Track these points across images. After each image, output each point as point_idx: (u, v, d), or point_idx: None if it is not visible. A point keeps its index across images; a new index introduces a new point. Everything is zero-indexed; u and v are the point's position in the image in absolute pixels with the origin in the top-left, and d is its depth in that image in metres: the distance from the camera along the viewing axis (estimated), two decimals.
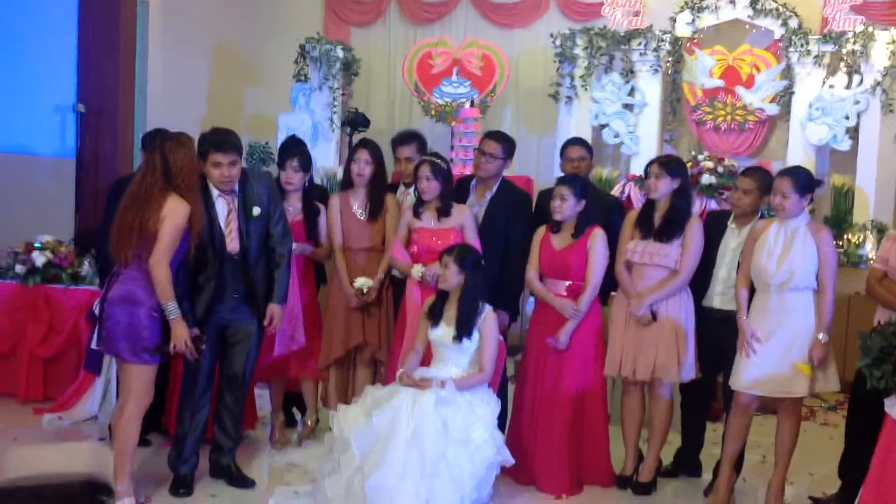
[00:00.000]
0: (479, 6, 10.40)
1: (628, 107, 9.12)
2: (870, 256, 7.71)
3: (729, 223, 5.08)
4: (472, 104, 9.13)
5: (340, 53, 9.70)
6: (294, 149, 5.44)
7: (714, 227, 5.11)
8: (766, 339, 4.60)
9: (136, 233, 4.26)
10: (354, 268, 5.36)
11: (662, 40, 8.97)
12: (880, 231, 7.88)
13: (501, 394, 5.02)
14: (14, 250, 6.40)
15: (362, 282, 5.28)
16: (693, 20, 9.03)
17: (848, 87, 8.45)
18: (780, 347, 4.58)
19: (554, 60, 9.35)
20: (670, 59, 9.08)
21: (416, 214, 5.18)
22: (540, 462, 4.98)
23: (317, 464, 4.79)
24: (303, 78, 9.69)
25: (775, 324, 4.60)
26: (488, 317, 4.72)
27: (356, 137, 8.48)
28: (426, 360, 4.82)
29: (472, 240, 5.06)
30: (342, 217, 5.39)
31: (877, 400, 4.14)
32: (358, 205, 5.39)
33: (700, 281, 5.01)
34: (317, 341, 5.45)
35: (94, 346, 5.77)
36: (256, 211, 4.69)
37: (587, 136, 8.56)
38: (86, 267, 6.27)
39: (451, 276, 4.70)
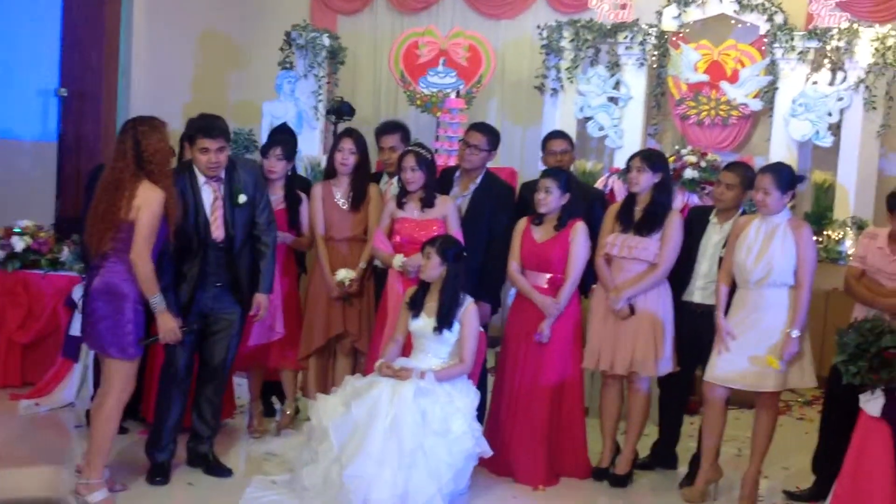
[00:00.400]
0: None
1: (613, 100, 9.12)
2: (849, 253, 7.74)
3: (711, 218, 5.10)
4: (457, 95, 9.12)
5: (326, 41, 9.65)
6: (281, 137, 5.43)
7: (696, 222, 5.13)
8: (741, 333, 4.64)
9: (108, 222, 4.18)
10: (336, 257, 5.35)
11: (648, 34, 8.97)
12: (860, 228, 7.92)
13: (481, 385, 5.04)
14: None
15: (343, 274, 5.27)
16: (679, 14, 9.03)
17: (831, 83, 8.47)
18: (754, 342, 4.62)
19: (540, 52, 9.33)
20: (656, 52, 9.08)
21: (400, 205, 5.18)
22: (517, 453, 4.99)
23: (295, 453, 4.80)
24: (288, 65, 9.65)
25: (752, 319, 4.63)
26: (469, 308, 4.73)
27: (341, 126, 8.46)
28: (406, 351, 4.83)
29: (455, 231, 5.07)
30: (324, 206, 5.38)
31: (852, 396, 4.19)
32: (341, 194, 5.38)
33: (681, 275, 5.04)
34: (297, 331, 5.44)
35: (72, 332, 5.77)
36: (242, 199, 4.67)
37: (572, 129, 8.56)
38: (65, 253, 6.24)
39: (433, 268, 4.71)
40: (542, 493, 4.89)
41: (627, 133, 9.08)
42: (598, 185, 8.36)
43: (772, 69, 8.76)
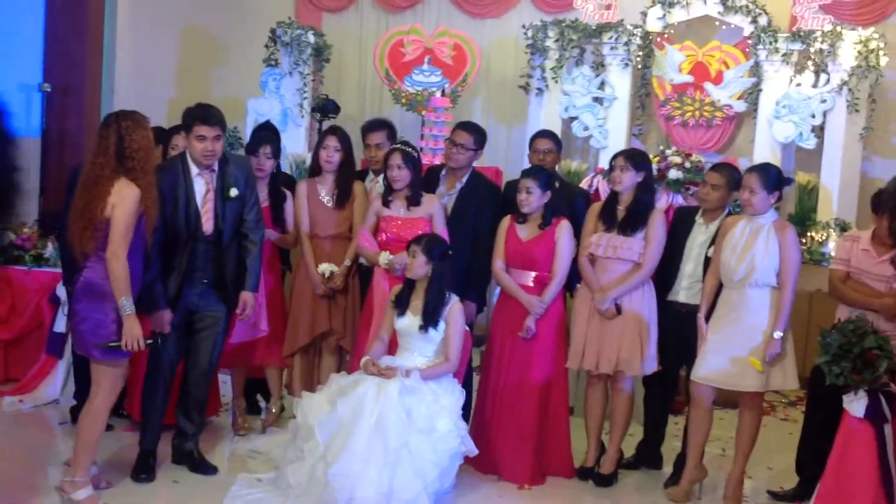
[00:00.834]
0: None
1: (598, 100, 9.15)
2: (832, 254, 7.80)
3: (696, 218, 5.12)
4: (442, 93, 9.12)
5: (312, 39, 9.63)
6: (268, 135, 5.42)
7: (682, 222, 5.16)
8: (725, 333, 4.66)
9: (87, 220, 4.09)
10: (321, 255, 5.35)
11: (633, 34, 9.01)
12: (843, 229, 7.97)
13: (466, 384, 5.04)
14: None
15: (325, 267, 5.28)
16: (664, 15, 9.06)
17: (815, 85, 8.52)
18: (737, 342, 4.64)
19: (525, 52, 9.35)
20: (640, 53, 9.12)
21: (386, 203, 5.17)
22: (503, 451, 5.00)
23: (280, 451, 4.79)
24: (273, 62, 9.62)
25: (734, 319, 4.66)
26: (455, 307, 4.74)
27: (326, 124, 8.44)
28: (392, 349, 4.83)
29: (441, 230, 5.07)
30: (309, 204, 5.37)
31: (835, 396, 4.21)
32: (326, 191, 5.38)
33: (666, 275, 5.06)
34: (282, 328, 5.43)
35: (56, 329, 5.74)
36: (234, 192, 4.66)
37: (557, 129, 8.57)
38: (49, 248, 6.20)
39: (419, 266, 4.71)
40: (527, 492, 4.90)
41: (612, 133, 9.11)
42: (583, 185, 8.38)
43: (756, 71, 8.82)
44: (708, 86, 8.98)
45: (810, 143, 8.55)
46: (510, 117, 10.05)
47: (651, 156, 6.96)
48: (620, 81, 9.13)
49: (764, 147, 8.69)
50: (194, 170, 4.62)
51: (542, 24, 9.24)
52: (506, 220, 5.12)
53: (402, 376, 4.50)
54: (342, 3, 10.67)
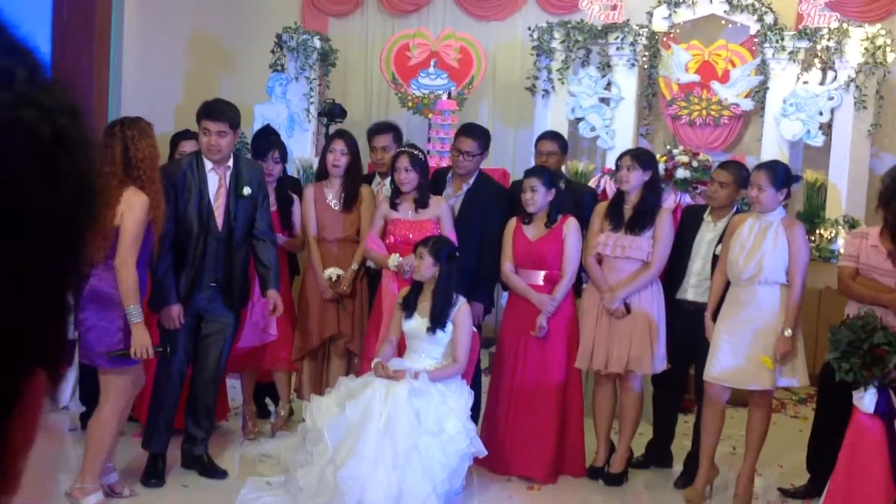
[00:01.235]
0: None
1: (605, 101, 9.13)
2: (841, 251, 7.77)
3: (704, 216, 5.11)
4: (449, 96, 9.12)
5: (318, 44, 9.64)
6: (276, 139, 5.45)
7: (690, 220, 5.15)
8: (734, 332, 4.65)
9: (98, 232, 4.09)
10: (328, 258, 5.36)
11: (639, 35, 8.99)
12: (852, 226, 7.94)
13: (475, 385, 5.04)
14: None
15: (331, 271, 5.28)
16: (669, 15, 9.05)
17: (822, 83, 8.50)
18: (748, 340, 4.63)
19: (531, 53, 9.34)
20: (647, 53, 9.10)
21: (393, 206, 5.18)
22: (520, 451, 5.00)
23: (289, 455, 4.79)
24: (279, 68, 9.64)
25: (743, 317, 4.64)
26: (462, 308, 4.74)
27: (332, 128, 8.45)
28: (400, 352, 4.83)
29: (449, 231, 5.08)
30: (316, 207, 5.38)
31: (845, 393, 4.19)
32: (333, 195, 5.39)
33: (674, 273, 5.05)
34: (290, 332, 5.44)
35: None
36: (247, 191, 4.67)
37: (563, 130, 8.53)
38: None
39: (426, 268, 4.71)
40: (537, 492, 4.90)
41: (619, 133, 9.09)
42: (591, 185, 8.37)
43: (762, 69, 8.79)
44: (715, 85, 8.96)
45: (818, 140, 8.52)
46: (517, 119, 10.04)
47: (658, 155, 6.95)
48: (627, 82, 9.12)
49: (771, 145, 8.66)
50: (208, 164, 4.64)
51: (548, 26, 9.22)
52: (512, 222, 5.12)
53: (411, 378, 4.51)
54: (348, 7, 10.68)
